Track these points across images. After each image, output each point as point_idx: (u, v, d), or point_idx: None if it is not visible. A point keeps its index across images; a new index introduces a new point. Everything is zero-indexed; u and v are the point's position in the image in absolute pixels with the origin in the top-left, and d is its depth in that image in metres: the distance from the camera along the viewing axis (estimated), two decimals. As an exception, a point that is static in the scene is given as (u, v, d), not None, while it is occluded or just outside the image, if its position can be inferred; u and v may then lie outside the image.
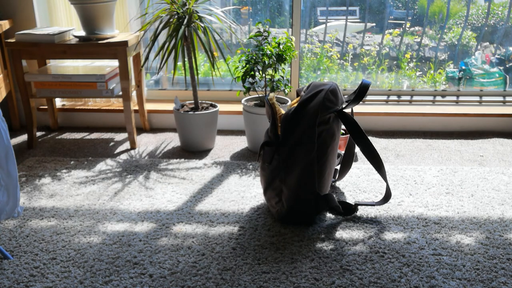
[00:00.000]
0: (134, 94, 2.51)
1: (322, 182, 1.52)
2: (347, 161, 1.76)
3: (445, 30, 2.81)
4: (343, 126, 1.97)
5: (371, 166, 1.98)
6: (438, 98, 2.57)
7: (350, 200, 1.71)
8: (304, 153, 1.45)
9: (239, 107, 2.44)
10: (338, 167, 1.80)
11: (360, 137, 1.50)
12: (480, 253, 1.39)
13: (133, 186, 1.83)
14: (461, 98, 2.56)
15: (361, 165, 1.99)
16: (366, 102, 2.56)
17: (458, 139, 2.33)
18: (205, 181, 1.87)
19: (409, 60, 2.77)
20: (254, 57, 2.08)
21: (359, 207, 1.64)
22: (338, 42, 2.92)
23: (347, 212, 1.59)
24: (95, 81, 2.15)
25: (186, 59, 2.13)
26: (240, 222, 1.57)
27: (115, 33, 2.21)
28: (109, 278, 1.28)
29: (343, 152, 1.78)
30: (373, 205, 1.61)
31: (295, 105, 1.50)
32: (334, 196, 1.63)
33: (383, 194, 1.70)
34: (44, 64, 2.38)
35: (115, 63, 2.35)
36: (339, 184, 1.83)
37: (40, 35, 2.10)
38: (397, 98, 2.61)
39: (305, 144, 1.45)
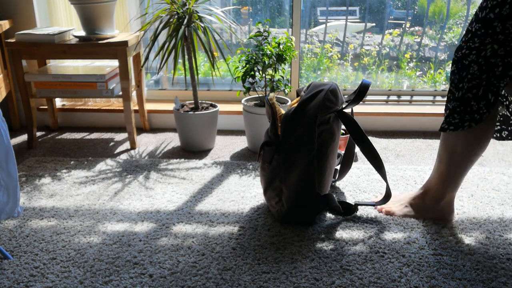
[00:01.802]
0: (134, 94, 2.51)
1: (322, 182, 1.52)
2: (347, 161, 1.76)
3: (445, 30, 2.81)
4: (343, 126, 1.97)
5: (371, 166, 1.98)
6: (438, 98, 2.57)
7: (350, 200, 1.71)
8: (304, 153, 1.45)
9: (239, 107, 2.44)
10: (338, 167, 1.80)
11: (360, 137, 1.50)
12: (480, 253, 1.39)
13: (133, 186, 1.83)
14: (461, 98, 2.55)
15: (361, 165, 1.99)
16: (366, 102, 2.56)
17: (458, 139, 2.33)
18: (205, 181, 1.87)
19: (409, 60, 2.77)
20: (254, 57, 2.08)
21: (359, 207, 1.64)
22: (338, 42, 2.92)
23: (347, 212, 1.59)
24: (95, 81, 2.15)
25: (186, 59, 2.13)
26: (240, 222, 1.57)
27: (115, 33, 2.21)
28: (109, 278, 1.28)
29: (343, 152, 1.78)
30: (373, 205, 1.61)
31: (295, 105, 1.50)
32: (334, 196, 1.62)
33: (383, 194, 1.70)
34: (44, 64, 2.38)
35: (115, 63, 2.35)
36: (339, 184, 1.83)
37: (40, 35, 2.10)
38: (397, 98, 2.61)
39: (305, 144, 1.45)
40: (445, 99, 1.49)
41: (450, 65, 1.38)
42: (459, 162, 1.43)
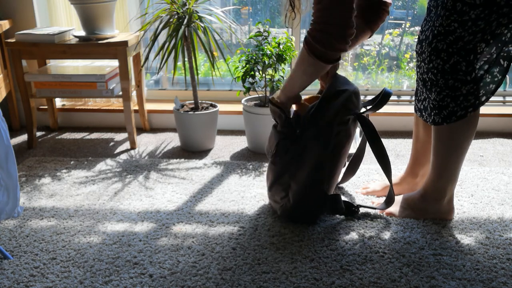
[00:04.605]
0: (134, 94, 2.51)
1: (332, 182, 1.52)
2: (354, 166, 1.74)
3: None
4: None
5: (371, 167, 1.98)
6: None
7: (351, 200, 1.71)
8: (318, 151, 1.46)
9: (239, 107, 2.44)
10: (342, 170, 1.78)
11: (375, 140, 1.50)
12: (480, 253, 1.39)
13: (133, 186, 1.83)
14: (461, 98, 2.55)
15: (362, 165, 1.99)
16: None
17: (458, 139, 2.33)
18: (205, 181, 1.87)
19: (409, 60, 2.77)
20: (254, 57, 2.08)
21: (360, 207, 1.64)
22: (338, 42, 2.91)
23: (348, 212, 1.58)
24: (95, 81, 2.15)
25: (186, 59, 2.13)
26: (240, 222, 1.57)
27: (115, 33, 2.21)
28: (109, 278, 1.28)
29: (350, 152, 1.77)
30: (375, 208, 1.61)
31: (317, 101, 1.50)
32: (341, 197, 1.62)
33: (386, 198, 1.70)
34: (44, 64, 2.38)
35: (115, 63, 2.35)
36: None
37: (40, 35, 2.10)
38: (397, 98, 2.61)
39: (320, 142, 1.46)
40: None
41: (430, 57, 1.38)
42: (457, 150, 1.44)
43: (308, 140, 1.47)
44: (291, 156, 1.49)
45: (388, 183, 1.66)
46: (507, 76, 2.69)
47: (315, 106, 1.48)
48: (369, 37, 1.61)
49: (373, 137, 1.49)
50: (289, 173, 1.50)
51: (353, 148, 1.90)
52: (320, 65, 1.35)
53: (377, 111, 1.57)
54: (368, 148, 1.78)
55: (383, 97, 1.50)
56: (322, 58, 1.33)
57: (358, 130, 1.91)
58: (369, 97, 2.57)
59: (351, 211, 1.59)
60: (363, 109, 1.56)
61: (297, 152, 1.48)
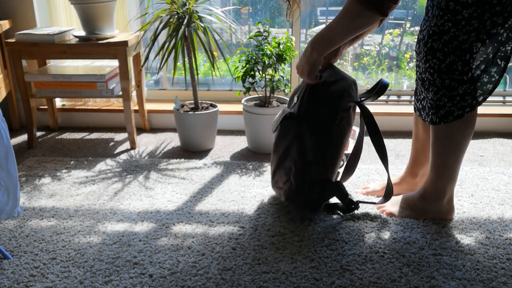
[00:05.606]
0: (134, 94, 2.51)
1: (334, 169, 1.54)
2: (352, 164, 1.75)
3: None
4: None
5: (371, 167, 1.98)
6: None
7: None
8: (321, 135, 1.48)
9: (239, 107, 2.44)
10: (341, 170, 1.78)
11: (374, 129, 1.52)
12: (480, 253, 1.39)
13: (133, 186, 1.83)
14: (461, 98, 2.55)
15: (361, 165, 1.99)
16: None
17: (458, 139, 2.33)
18: (205, 181, 1.87)
19: (409, 60, 2.77)
20: (254, 57, 2.08)
21: (360, 205, 1.64)
22: (338, 42, 2.91)
23: (348, 207, 1.59)
24: (95, 81, 2.15)
25: (186, 59, 2.13)
26: (240, 222, 1.57)
27: (115, 33, 2.21)
28: (109, 278, 1.28)
29: (348, 152, 1.77)
30: (375, 203, 1.61)
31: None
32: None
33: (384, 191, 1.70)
34: (44, 64, 2.38)
35: (115, 63, 2.35)
36: (339, 184, 1.83)
37: (40, 35, 2.10)
38: (397, 98, 2.61)
39: (324, 126, 1.48)
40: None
41: (426, 57, 1.39)
42: (455, 150, 1.45)
43: (310, 125, 1.48)
44: (294, 136, 1.51)
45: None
46: (507, 76, 2.69)
47: (317, 85, 1.49)
48: (377, 27, 1.61)
49: (372, 126, 1.51)
50: (291, 156, 1.51)
51: (351, 147, 1.91)
52: (371, 15, 1.31)
53: (376, 111, 1.58)
54: (366, 148, 1.78)
55: (380, 88, 1.51)
56: (376, 5, 1.29)
57: (356, 129, 1.91)
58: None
59: (351, 208, 1.59)
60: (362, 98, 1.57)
61: (299, 133, 1.49)
